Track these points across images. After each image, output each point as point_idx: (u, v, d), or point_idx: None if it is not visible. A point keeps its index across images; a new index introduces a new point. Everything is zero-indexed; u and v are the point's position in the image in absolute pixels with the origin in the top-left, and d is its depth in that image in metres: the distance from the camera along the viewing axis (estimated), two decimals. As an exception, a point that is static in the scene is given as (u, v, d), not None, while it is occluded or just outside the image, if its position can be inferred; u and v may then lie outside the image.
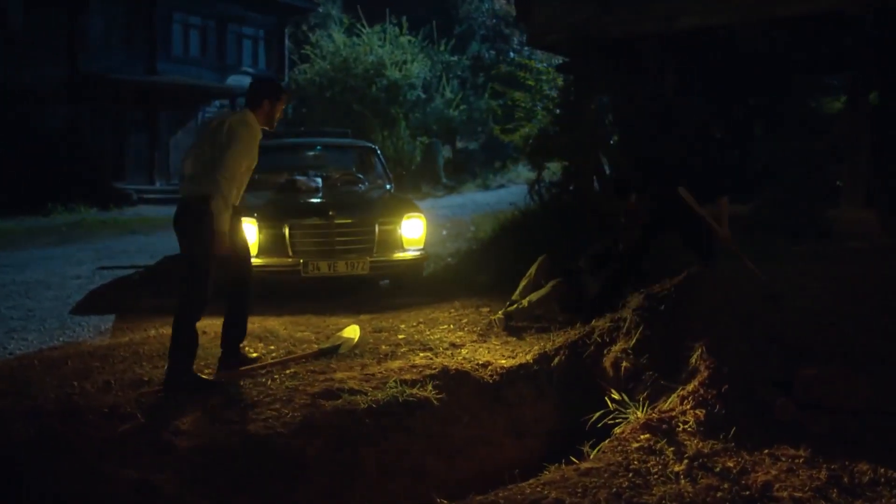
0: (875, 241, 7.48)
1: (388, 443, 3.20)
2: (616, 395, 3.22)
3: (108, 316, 5.66)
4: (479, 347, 4.51)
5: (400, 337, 4.80)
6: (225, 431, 2.96)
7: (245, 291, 4.09)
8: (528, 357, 4.03)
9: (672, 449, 2.65)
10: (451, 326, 5.10)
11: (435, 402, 3.48)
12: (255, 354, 4.27)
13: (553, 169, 10.68)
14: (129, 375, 3.84)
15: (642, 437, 2.78)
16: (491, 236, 9.07)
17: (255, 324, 5.18)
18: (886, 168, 9.11)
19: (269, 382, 3.72)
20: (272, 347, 4.52)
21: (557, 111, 11.36)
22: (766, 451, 2.60)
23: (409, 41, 20.23)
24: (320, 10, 22.45)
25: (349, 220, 5.97)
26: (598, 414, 3.15)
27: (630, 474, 2.49)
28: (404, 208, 6.31)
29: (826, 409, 2.82)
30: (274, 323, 5.23)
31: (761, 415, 2.88)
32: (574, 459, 2.80)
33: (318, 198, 6.48)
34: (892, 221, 8.25)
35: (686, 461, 2.55)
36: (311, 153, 7.57)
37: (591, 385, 3.74)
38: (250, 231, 5.77)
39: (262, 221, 5.80)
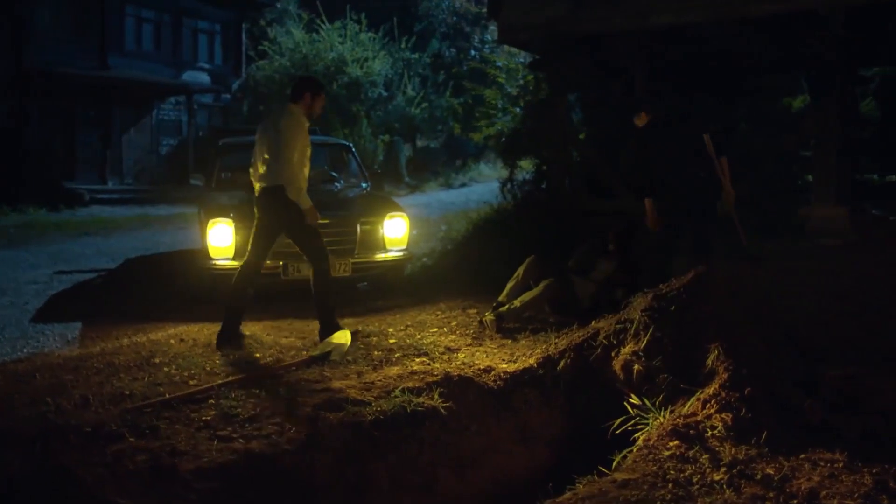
0: (847, 238, 7.62)
1: (398, 456, 3.03)
2: (635, 400, 3.11)
3: (74, 323, 5.32)
4: (476, 351, 4.36)
5: (391, 342, 4.61)
6: (227, 450, 2.73)
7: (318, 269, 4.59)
8: (531, 361, 3.90)
9: (706, 456, 2.54)
10: (443, 329, 4.95)
11: (442, 411, 3.32)
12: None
13: (524, 166, 10.64)
14: (107, 389, 3.56)
15: (671, 443, 2.67)
16: (465, 235, 8.95)
17: (235, 330, 4.95)
18: (850, 166, 9.31)
19: (262, 393, 3.49)
20: (258, 355, 4.28)
21: (519, 109, 11.32)
22: (803, 455, 2.52)
23: (371, 38, 19.96)
24: (278, 5, 21.96)
25: (329, 220, 5.73)
26: (619, 420, 3.03)
27: (669, 485, 2.37)
28: (386, 207, 6.11)
29: (855, 410, 2.76)
30: (255, 328, 4.99)
31: (788, 417, 2.81)
32: (603, 469, 2.67)
33: (294, 197, 6.21)
34: (858, 218, 8.44)
35: (724, 469, 2.45)
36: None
37: (599, 389, 3.63)
38: (226, 232, 5.50)
39: (239, 222, 5.51)
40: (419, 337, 4.73)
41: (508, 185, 10.23)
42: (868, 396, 2.80)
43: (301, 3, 22.52)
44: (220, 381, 3.67)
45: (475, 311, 5.45)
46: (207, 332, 4.86)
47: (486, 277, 6.30)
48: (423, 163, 22.60)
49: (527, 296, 5.07)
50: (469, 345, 4.52)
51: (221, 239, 5.46)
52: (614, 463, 2.88)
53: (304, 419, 3.08)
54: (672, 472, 2.46)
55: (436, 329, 4.97)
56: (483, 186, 18.25)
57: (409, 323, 5.17)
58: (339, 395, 3.41)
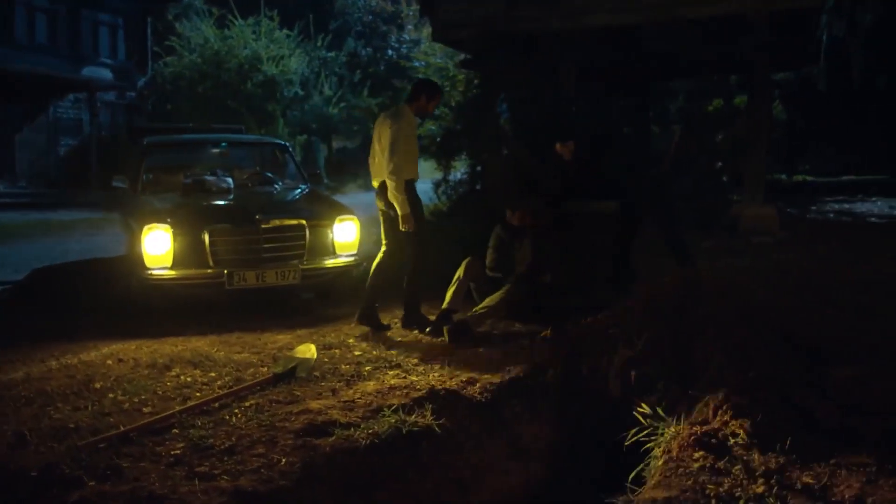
0: (777, 236, 7.93)
1: (400, 483, 2.76)
2: (645, 409, 2.97)
3: (-15, 346, 4.68)
4: (451, 361, 4.12)
5: (356, 353, 4.31)
6: (214, 490, 2.37)
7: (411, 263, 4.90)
8: (517, 370, 3.71)
9: (738, 467, 2.43)
10: (407, 338, 4.69)
11: (437, 429, 3.07)
12: (433, 318, 4.86)
13: (457, 167, 10.50)
14: (46, 423, 3.09)
15: (697, 454, 2.54)
16: (402, 238, 8.68)
17: (178, 346, 4.51)
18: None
19: (233, 420, 3.12)
20: (213, 374, 3.86)
21: (446, 109, 11.17)
22: (833, 461, 2.45)
23: (287, 35, 19.29)
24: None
25: (278, 224, 5.34)
26: (633, 431, 2.88)
27: (713, 501, 2.23)
28: (335, 210, 5.76)
29: (869, 411, 2.73)
30: (201, 344, 4.55)
31: (803, 420, 2.75)
32: (632, 486, 2.52)
33: (232, 200, 5.77)
34: (779, 217, 8.82)
35: (762, 480, 2.33)
36: (216, 151, 6.80)
37: (591, 397, 3.49)
38: (163, 239, 5.01)
39: (177, 228, 5.03)
40: (385, 347, 4.45)
41: (443, 187, 10.08)
42: (880, 397, 2.78)
43: (209, -1, 21.49)
44: (179, 408, 3.26)
45: (433, 317, 5.21)
46: (148, 349, 4.39)
47: (437, 282, 6.08)
48: (341, 164, 22.07)
49: (489, 300, 4.89)
50: (441, 354, 4.28)
51: (158, 246, 4.96)
52: (631, 476, 2.74)
53: (291, 448, 2.75)
54: (710, 486, 2.32)
55: (399, 338, 4.70)
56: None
57: (368, 332, 4.87)
58: (321, 417, 3.09)
